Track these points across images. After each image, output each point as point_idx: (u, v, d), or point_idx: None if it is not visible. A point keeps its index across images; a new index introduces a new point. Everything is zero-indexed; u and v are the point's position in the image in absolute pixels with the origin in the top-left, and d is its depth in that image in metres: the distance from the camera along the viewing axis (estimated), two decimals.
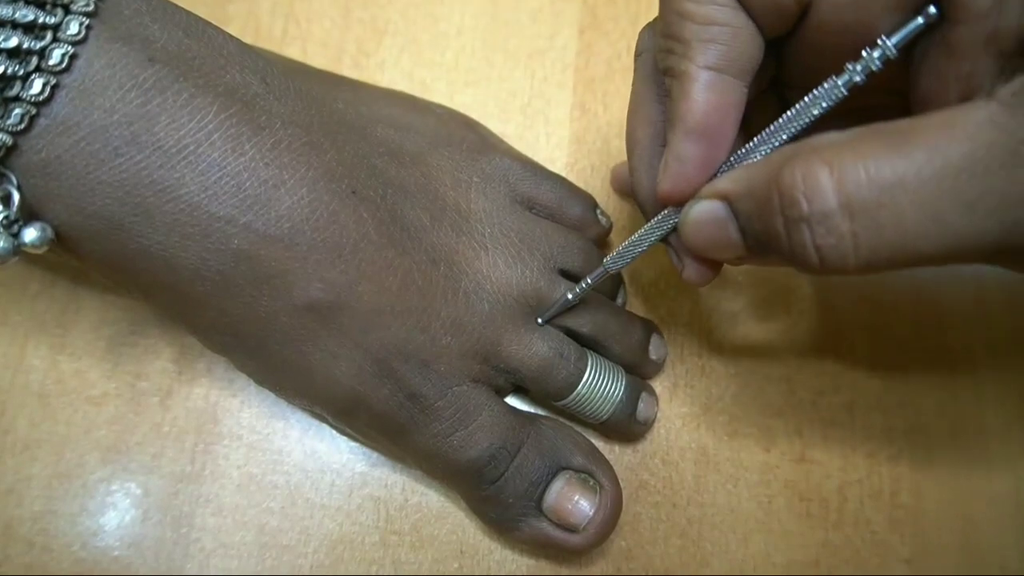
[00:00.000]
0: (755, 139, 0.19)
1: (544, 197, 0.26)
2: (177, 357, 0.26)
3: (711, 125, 0.18)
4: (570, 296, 0.23)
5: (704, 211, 0.18)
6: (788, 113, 0.18)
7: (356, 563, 0.25)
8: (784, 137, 0.18)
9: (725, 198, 0.18)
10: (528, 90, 0.30)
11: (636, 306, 0.28)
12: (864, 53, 0.17)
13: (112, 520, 0.25)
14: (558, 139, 0.30)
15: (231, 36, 0.21)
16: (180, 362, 0.26)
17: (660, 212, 0.21)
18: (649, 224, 0.21)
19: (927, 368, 0.27)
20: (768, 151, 0.19)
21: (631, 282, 0.28)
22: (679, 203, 0.20)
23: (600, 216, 0.27)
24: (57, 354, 0.26)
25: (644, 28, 0.21)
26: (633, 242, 0.22)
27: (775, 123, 0.18)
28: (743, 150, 0.19)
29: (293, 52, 0.30)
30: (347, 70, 0.30)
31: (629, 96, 0.22)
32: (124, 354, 0.26)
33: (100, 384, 0.26)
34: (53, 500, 0.25)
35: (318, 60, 0.30)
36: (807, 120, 0.18)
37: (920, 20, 0.17)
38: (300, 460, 0.26)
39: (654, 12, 0.31)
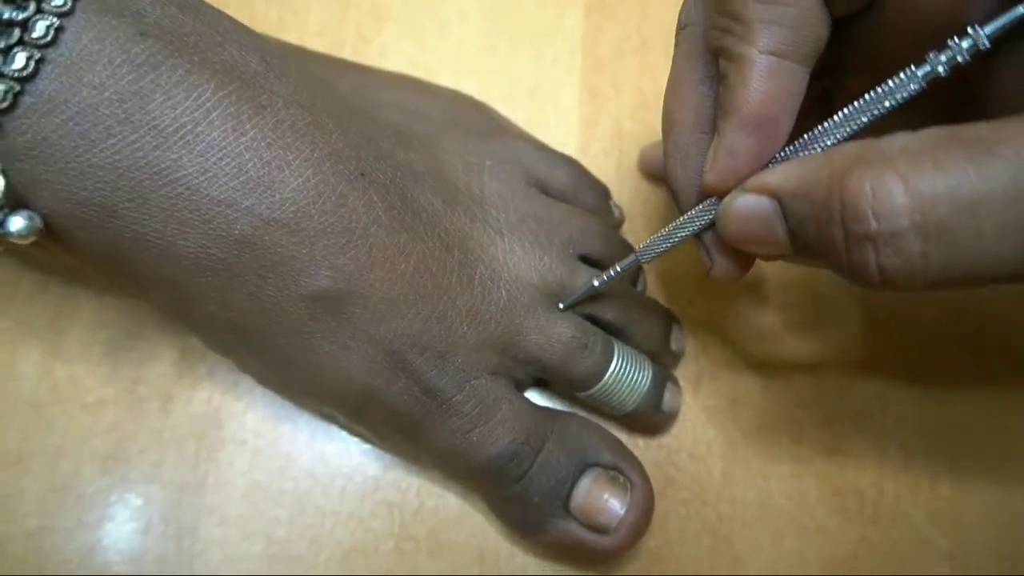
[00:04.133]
0: (813, 131, 0.17)
1: (559, 181, 0.24)
2: (178, 360, 0.25)
3: (769, 116, 0.16)
4: (596, 283, 0.22)
5: (749, 206, 0.17)
6: (855, 104, 0.16)
7: (370, 572, 0.23)
8: (846, 132, 0.17)
9: (775, 195, 0.16)
10: (535, 74, 0.29)
11: (655, 296, 0.27)
12: (951, 43, 0.15)
13: (111, 534, 0.23)
14: (568, 124, 0.29)
15: (227, 14, 0.20)
16: (181, 365, 0.25)
17: (699, 203, 0.19)
18: (687, 215, 0.20)
19: (958, 355, 0.26)
20: (827, 146, 0.17)
21: (649, 270, 0.27)
22: (722, 195, 0.18)
23: (613, 207, 0.26)
24: (50, 360, 0.25)
25: None
26: (667, 233, 0.20)
27: (837, 115, 0.17)
28: (799, 142, 0.17)
29: (290, 40, 0.29)
30: (347, 58, 0.29)
31: (669, 73, 0.20)
32: (122, 358, 0.25)
33: (96, 390, 0.25)
34: (48, 515, 0.23)
35: (316, 48, 0.29)
36: (875, 114, 0.16)
37: (1021, 10, 0.15)
38: (309, 465, 0.24)
39: None
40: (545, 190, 0.24)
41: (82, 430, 0.24)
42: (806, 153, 0.17)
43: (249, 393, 0.25)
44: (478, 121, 0.25)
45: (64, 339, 0.25)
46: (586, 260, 0.24)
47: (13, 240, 0.16)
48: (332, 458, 0.25)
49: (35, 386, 0.25)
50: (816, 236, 0.15)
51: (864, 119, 0.16)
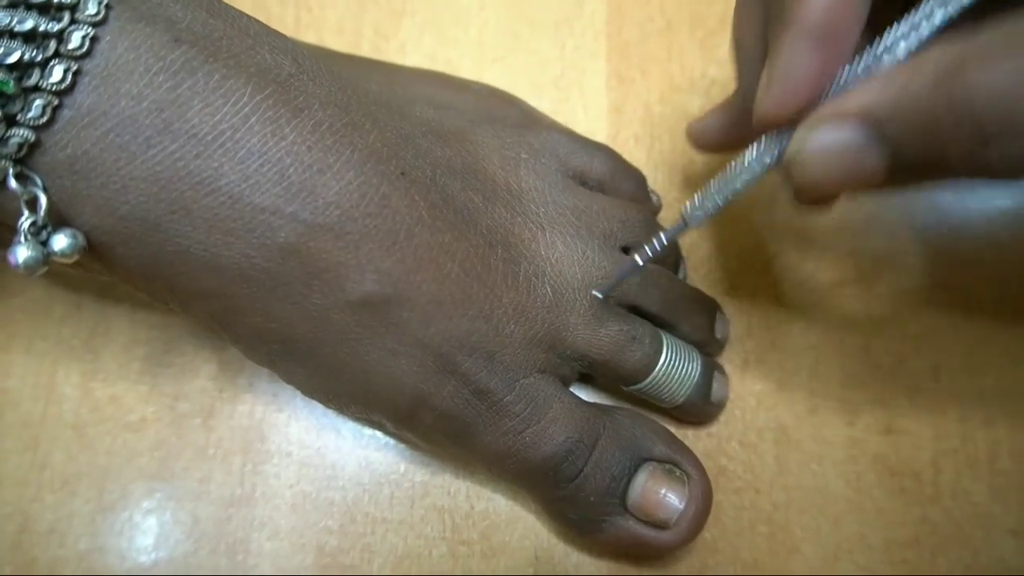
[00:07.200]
0: (881, 40, 0.15)
1: (596, 171, 0.24)
2: (216, 374, 0.25)
3: (834, 26, 0.14)
4: (639, 260, 0.20)
5: (832, 140, 0.14)
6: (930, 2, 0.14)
7: None
8: (925, 35, 0.14)
9: (871, 118, 0.14)
10: (559, 61, 0.29)
11: (695, 281, 0.26)
12: None
13: (163, 553, 0.23)
14: (596, 111, 0.28)
15: (253, 17, 0.19)
16: (220, 379, 0.25)
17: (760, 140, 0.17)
18: (738, 162, 0.17)
19: (1013, 326, 0.25)
20: (906, 56, 0.14)
21: (688, 254, 0.27)
22: (780, 126, 0.16)
23: (651, 194, 0.26)
24: (89, 380, 0.25)
25: None
26: (717, 188, 0.17)
27: (913, 17, 0.14)
28: (866, 58, 0.15)
29: (308, 40, 0.29)
30: (366, 55, 0.28)
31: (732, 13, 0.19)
32: (160, 375, 0.25)
33: (138, 409, 0.24)
34: (98, 536, 0.23)
35: (335, 47, 0.28)
36: (963, 5, 0.14)
37: None
38: (355, 473, 0.24)
39: None
40: (582, 181, 0.24)
41: (126, 450, 0.24)
42: (878, 67, 0.15)
43: (290, 403, 0.25)
44: (510, 113, 0.24)
45: (101, 359, 0.25)
46: (628, 251, 0.23)
47: (57, 260, 0.16)
48: (378, 465, 0.24)
49: (76, 408, 0.24)
50: (925, 151, 0.13)
51: (948, 11, 0.14)
